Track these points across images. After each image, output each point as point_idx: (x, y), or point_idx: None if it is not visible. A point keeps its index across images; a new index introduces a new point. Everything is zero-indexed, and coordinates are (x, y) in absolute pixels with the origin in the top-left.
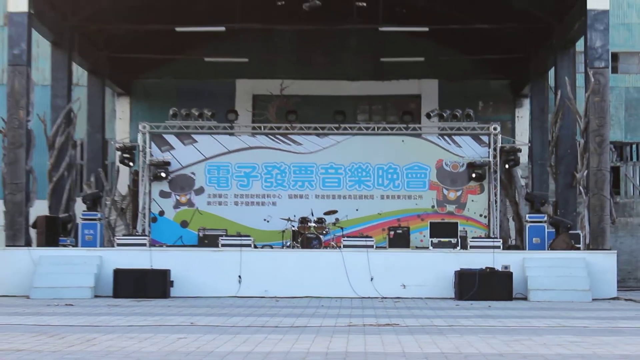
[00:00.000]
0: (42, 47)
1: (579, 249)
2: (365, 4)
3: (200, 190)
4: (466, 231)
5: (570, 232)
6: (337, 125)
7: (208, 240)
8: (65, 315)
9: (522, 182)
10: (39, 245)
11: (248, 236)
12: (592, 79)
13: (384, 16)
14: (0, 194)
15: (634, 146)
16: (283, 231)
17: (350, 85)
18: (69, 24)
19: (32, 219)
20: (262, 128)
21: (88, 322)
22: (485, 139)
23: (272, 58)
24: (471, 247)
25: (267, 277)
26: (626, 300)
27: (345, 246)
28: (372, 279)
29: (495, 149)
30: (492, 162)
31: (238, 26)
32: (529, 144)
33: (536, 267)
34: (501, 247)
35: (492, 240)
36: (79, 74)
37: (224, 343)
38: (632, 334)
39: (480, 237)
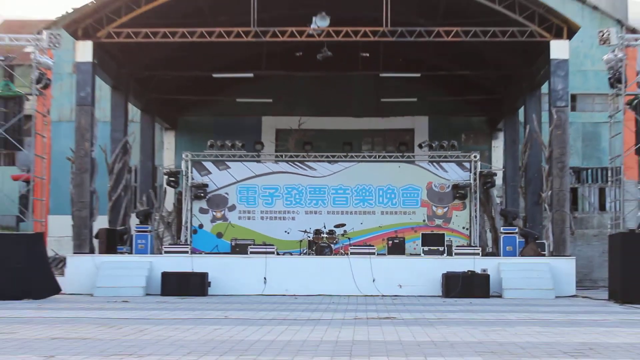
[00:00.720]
0: (103, 90)
1: (544, 255)
2: (368, 55)
3: (232, 208)
4: (451, 241)
5: (537, 241)
6: (345, 154)
7: (239, 249)
8: (122, 310)
9: (497, 200)
10: (100, 252)
11: (272, 245)
12: (555, 116)
13: (384, 64)
14: (69, 210)
15: (589, 171)
16: (300, 241)
17: (356, 121)
18: (125, 71)
19: (95, 231)
20: (283, 156)
21: (140, 316)
22: (467, 165)
23: (291, 98)
24: (455, 254)
25: (287, 278)
26: (583, 297)
27: (351, 253)
28: (374, 280)
29: (475, 174)
30: (473, 184)
31: (264, 73)
32: (503, 169)
33: (509, 270)
34: (480, 254)
35: (472, 248)
36: (134, 112)
37: (252, 333)
38: (589, 325)
39: (463, 246)
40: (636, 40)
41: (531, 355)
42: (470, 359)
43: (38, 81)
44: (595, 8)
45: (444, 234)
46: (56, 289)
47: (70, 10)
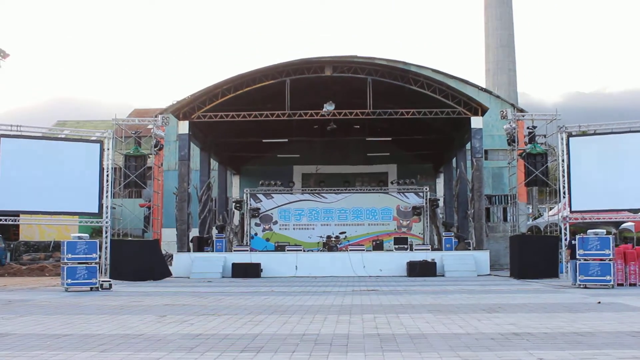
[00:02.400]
0: (194, 151)
1: (469, 249)
2: (358, 126)
3: (275, 222)
4: (412, 241)
5: (465, 241)
6: (345, 188)
7: (280, 248)
8: (207, 286)
9: (440, 215)
10: (194, 251)
11: (300, 246)
12: (475, 163)
13: (369, 132)
14: (174, 225)
15: (496, 197)
16: (318, 243)
17: (352, 168)
18: (208, 139)
19: (190, 238)
20: (307, 190)
21: (219, 291)
22: (421, 194)
23: (311, 154)
24: (415, 249)
25: (310, 266)
26: (494, 275)
27: (350, 250)
28: (364, 266)
29: (426, 199)
30: (425, 206)
31: (294, 138)
32: (443, 197)
33: (448, 259)
34: (430, 249)
35: (425, 246)
36: (213, 164)
37: (289, 300)
38: (498, 292)
39: (419, 245)
40: (523, 116)
41: (462, 311)
42: (424, 314)
43: (155, 146)
44: (497, 97)
45: (407, 237)
46: (168, 274)
47: (175, 102)
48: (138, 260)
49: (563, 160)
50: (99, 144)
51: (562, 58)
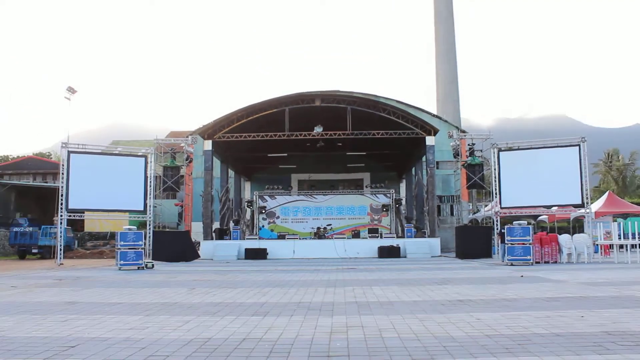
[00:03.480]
0: (216, 162)
1: (425, 237)
2: (341, 144)
3: (278, 217)
4: (382, 231)
5: (422, 230)
6: (330, 191)
7: (281, 237)
8: (226, 266)
9: (403, 211)
10: (216, 239)
11: (297, 235)
12: (429, 172)
13: (349, 148)
14: (201, 219)
15: (445, 197)
16: (310, 232)
17: (336, 175)
18: (227, 154)
19: (213, 229)
20: (302, 192)
21: (235, 269)
22: (388, 195)
23: (305, 165)
24: (384, 237)
25: (305, 250)
26: (444, 256)
27: (334, 238)
28: (345, 250)
29: (392, 199)
30: (391, 204)
31: (292, 153)
32: (405, 197)
33: (409, 244)
34: (395, 237)
35: (392, 234)
36: (231, 173)
37: (289, 276)
38: (447, 270)
39: (387, 234)
40: (464, 136)
41: (419, 284)
42: (391, 287)
43: (186, 159)
44: (445, 121)
45: (378, 228)
46: (197, 256)
47: (201, 126)
48: (173, 246)
49: (495, 169)
50: (144, 158)
51: (494, 91)
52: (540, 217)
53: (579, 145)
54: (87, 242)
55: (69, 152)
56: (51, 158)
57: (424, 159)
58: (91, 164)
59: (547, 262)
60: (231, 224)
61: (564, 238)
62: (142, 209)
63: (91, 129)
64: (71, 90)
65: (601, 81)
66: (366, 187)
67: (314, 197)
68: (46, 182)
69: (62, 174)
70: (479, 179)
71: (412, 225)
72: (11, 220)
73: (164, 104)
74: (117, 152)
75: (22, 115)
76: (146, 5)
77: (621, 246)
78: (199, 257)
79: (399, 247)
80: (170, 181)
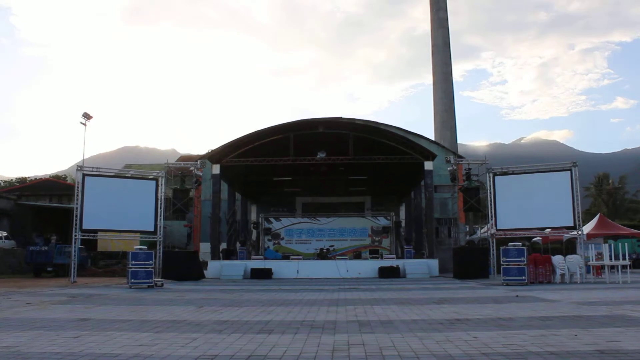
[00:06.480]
0: (224, 186)
1: (423, 257)
2: (343, 168)
3: (282, 238)
4: (382, 252)
5: (421, 252)
6: (333, 213)
7: (286, 257)
8: (232, 285)
9: (402, 233)
10: (223, 259)
11: (301, 255)
12: (427, 195)
13: (351, 172)
14: (208, 240)
15: (443, 219)
16: (313, 253)
17: (338, 198)
18: (234, 177)
19: (220, 249)
20: (305, 215)
21: (241, 288)
22: (388, 218)
23: (309, 188)
24: (384, 258)
25: (308, 270)
26: (442, 277)
27: (337, 258)
28: (347, 270)
29: (392, 222)
30: (391, 226)
31: (296, 177)
32: (405, 219)
33: (409, 265)
34: (395, 258)
35: (392, 255)
36: (238, 196)
37: (293, 295)
38: (446, 289)
39: (388, 255)
40: (461, 161)
41: (418, 303)
42: (392, 306)
43: (195, 182)
44: (443, 147)
45: (379, 249)
46: (203, 276)
47: (210, 150)
48: (182, 266)
49: (491, 193)
50: (155, 181)
51: (488, 118)
52: (534, 239)
53: (570, 169)
54: (99, 261)
55: (84, 175)
56: (67, 180)
57: (422, 183)
58: (105, 186)
59: (541, 282)
60: (238, 245)
61: (557, 259)
62: (152, 229)
63: (105, 152)
64: (87, 116)
65: (591, 109)
66: (367, 210)
67: (317, 220)
68: (62, 203)
69: (77, 195)
70: (475, 202)
71: (412, 247)
72: (33, 239)
73: (174, 128)
74: (129, 175)
75: (41, 140)
76: (158, 33)
77: (612, 267)
78: (205, 277)
79: (399, 268)
80: (179, 203)
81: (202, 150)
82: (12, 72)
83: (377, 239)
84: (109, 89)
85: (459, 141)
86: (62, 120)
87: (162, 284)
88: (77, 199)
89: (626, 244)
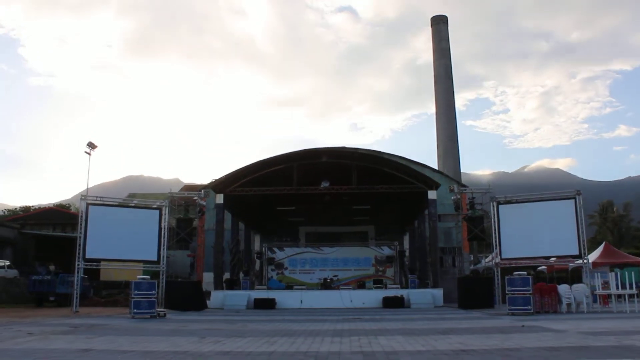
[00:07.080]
0: (227, 215)
1: (428, 287)
2: (347, 198)
3: (286, 268)
4: (387, 282)
5: (425, 281)
6: (336, 243)
7: (289, 287)
8: (235, 315)
9: (406, 262)
10: (226, 289)
11: (304, 285)
12: (431, 224)
13: (354, 202)
14: (212, 270)
15: (447, 248)
16: (317, 283)
17: (341, 228)
18: (237, 207)
19: (223, 279)
20: (309, 244)
21: (244, 318)
22: (392, 247)
23: (312, 218)
24: (388, 288)
25: (312, 300)
26: (447, 306)
27: (341, 288)
28: (351, 300)
29: (396, 251)
30: (395, 256)
31: (299, 206)
32: (409, 249)
33: (413, 295)
34: (400, 287)
35: (396, 285)
36: (241, 225)
37: (297, 325)
38: (450, 320)
39: (392, 284)
40: (465, 190)
41: (423, 334)
42: (396, 336)
43: (199, 212)
44: (446, 176)
45: (383, 279)
46: (205, 306)
47: (213, 180)
48: (185, 296)
49: (495, 222)
50: (158, 210)
51: (491, 146)
52: (539, 268)
53: (574, 198)
54: (102, 291)
55: (88, 204)
56: (70, 209)
57: (426, 212)
58: (108, 216)
59: (547, 312)
60: (241, 275)
61: (563, 288)
62: (156, 259)
63: (109, 181)
64: (91, 145)
65: (594, 137)
66: (371, 239)
67: (321, 249)
68: (65, 233)
69: (81, 224)
70: (479, 231)
71: (416, 276)
72: (34, 269)
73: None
74: (133, 204)
75: (45, 169)
76: (163, 63)
77: (619, 296)
78: (207, 307)
79: (403, 298)
80: (183, 233)
81: (205, 180)
82: (18, 101)
83: (381, 268)
84: (113, 118)
85: (462, 170)
86: (67, 150)
87: (165, 314)
88: (81, 228)
89: (633, 273)
